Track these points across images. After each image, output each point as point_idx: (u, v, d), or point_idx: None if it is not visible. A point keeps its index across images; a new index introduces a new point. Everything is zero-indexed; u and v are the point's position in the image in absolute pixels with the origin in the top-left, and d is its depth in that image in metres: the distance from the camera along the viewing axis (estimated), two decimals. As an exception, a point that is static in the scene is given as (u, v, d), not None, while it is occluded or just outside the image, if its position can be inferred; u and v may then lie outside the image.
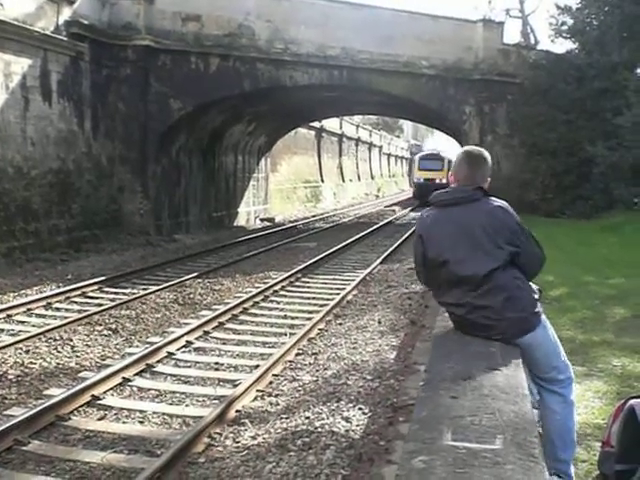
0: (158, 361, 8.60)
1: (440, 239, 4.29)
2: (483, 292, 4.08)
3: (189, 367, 8.55)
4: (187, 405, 7.22)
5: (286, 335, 9.89)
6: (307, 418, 6.60)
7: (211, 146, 25.64)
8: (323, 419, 6.55)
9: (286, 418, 6.68)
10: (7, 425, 6.03)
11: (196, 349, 9.32)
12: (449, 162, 42.42)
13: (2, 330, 10.17)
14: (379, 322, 10.67)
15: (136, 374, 8.06)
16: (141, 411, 6.96)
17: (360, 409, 6.83)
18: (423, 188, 41.03)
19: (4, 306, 11.31)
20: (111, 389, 7.54)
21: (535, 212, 20.44)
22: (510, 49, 22.58)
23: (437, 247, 4.30)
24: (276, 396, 7.43)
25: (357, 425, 6.44)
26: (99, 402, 7.14)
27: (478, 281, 4.09)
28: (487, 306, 4.06)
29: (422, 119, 35.12)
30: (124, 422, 6.72)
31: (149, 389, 7.67)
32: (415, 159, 50.26)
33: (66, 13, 18.45)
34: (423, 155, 49.54)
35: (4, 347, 9.04)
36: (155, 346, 8.88)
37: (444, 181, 39.35)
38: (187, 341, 9.45)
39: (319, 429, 6.31)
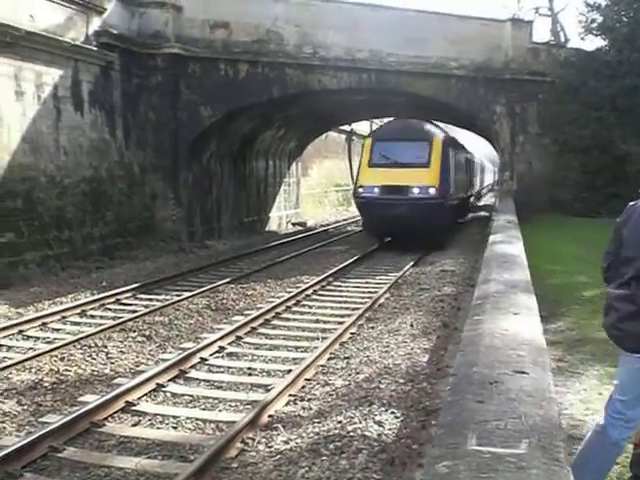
0: (191, 367, 8.66)
1: (637, 226, 4.18)
2: (620, 294, 4.13)
3: (222, 372, 8.61)
4: (220, 410, 7.27)
5: (318, 339, 9.91)
6: (339, 422, 6.62)
7: (242, 152, 25.75)
8: (355, 423, 6.56)
9: (318, 422, 6.70)
10: (42, 432, 6.12)
11: (229, 354, 9.37)
12: (454, 147, 23.05)
13: (38, 338, 10.33)
14: (411, 325, 10.65)
15: (170, 380, 8.13)
16: (175, 417, 7.02)
17: (392, 413, 6.83)
18: (378, 210, 19.85)
19: (39, 314, 11.48)
20: (145, 395, 7.62)
21: (569, 212, 20.26)
22: (540, 48, 22.37)
23: (629, 231, 4.23)
24: (308, 400, 7.45)
25: (389, 429, 6.45)
26: (133, 408, 7.21)
27: (623, 281, 4.12)
28: (616, 308, 4.16)
29: (452, 120, 33.08)
30: (158, 428, 6.78)
31: (183, 395, 7.73)
32: (366, 143, 21.64)
33: (95, 23, 18.66)
34: (384, 132, 22.49)
35: (39, 355, 9.18)
36: (188, 352, 8.94)
37: (432, 192, 19.58)
38: (220, 346, 9.51)
39: (351, 433, 6.32)
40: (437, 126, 22.61)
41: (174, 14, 20.97)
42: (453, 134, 26.57)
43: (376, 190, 19.86)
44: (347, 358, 9.07)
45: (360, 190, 20.36)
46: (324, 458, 5.84)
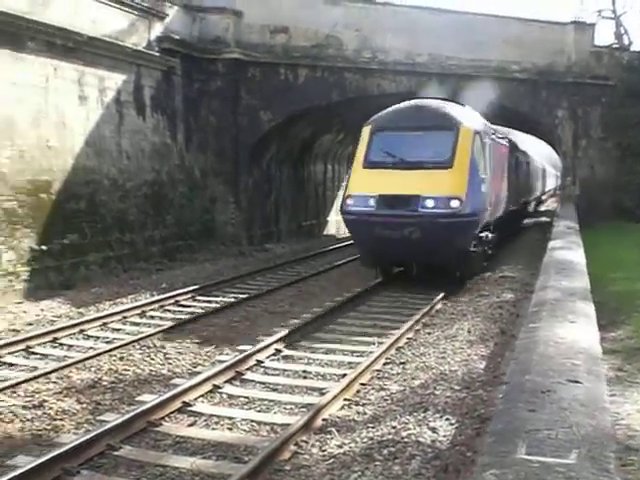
0: (248, 369, 8.72)
1: None
2: None
3: (278, 375, 8.64)
4: (275, 413, 7.30)
5: (374, 344, 9.88)
6: (393, 428, 6.60)
7: (301, 156, 25.88)
8: (410, 429, 6.53)
9: (372, 427, 6.68)
10: (100, 430, 6.25)
11: (285, 357, 9.41)
12: (497, 142, 17.03)
13: (98, 338, 10.55)
14: (468, 331, 10.54)
15: (226, 381, 8.20)
16: (230, 418, 7.07)
17: (447, 419, 6.78)
18: (373, 230, 13.79)
19: (100, 314, 11.72)
20: (201, 396, 7.69)
21: (632, 218, 19.84)
22: (602, 51, 22.04)
23: None
24: (363, 405, 7.44)
25: (444, 435, 6.40)
26: (190, 409, 7.30)
27: None
28: None
29: (513, 124, 32.95)
30: (213, 429, 6.84)
31: (238, 396, 7.79)
32: (362, 134, 15.01)
33: (157, 29, 19.00)
34: (388, 117, 15.08)
35: (99, 354, 9.38)
36: (245, 354, 9.00)
37: (456, 205, 13.49)
38: (276, 349, 9.56)
39: (405, 439, 6.29)
40: (471, 110, 16.05)
41: (234, 20, 21.23)
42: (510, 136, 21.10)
43: (372, 202, 13.81)
44: (403, 363, 9.03)
45: (349, 202, 14.28)
46: (377, 463, 5.83)
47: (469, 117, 15.17)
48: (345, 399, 7.56)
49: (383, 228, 13.60)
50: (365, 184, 14.18)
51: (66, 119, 15.48)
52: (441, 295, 13.21)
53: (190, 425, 6.93)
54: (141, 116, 18.33)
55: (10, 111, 13.97)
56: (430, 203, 13.38)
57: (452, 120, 14.33)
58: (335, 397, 7.38)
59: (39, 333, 10.36)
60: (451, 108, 14.95)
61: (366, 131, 14.89)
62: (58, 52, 15.17)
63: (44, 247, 14.38)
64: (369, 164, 14.34)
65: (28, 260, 14.01)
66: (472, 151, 14.09)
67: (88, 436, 6.13)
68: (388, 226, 13.56)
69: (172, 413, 7.15)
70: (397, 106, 15.26)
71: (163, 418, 6.98)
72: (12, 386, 8.06)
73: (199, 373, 8.31)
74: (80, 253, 15.40)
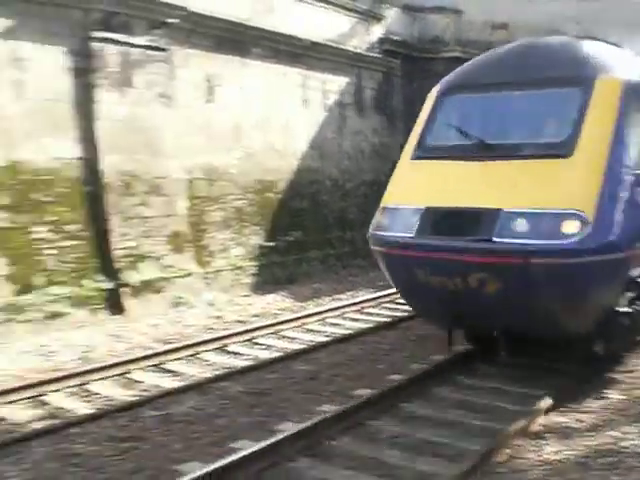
0: (459, 372, 8.62)
1: None
2: None
3: (491, 378, 8.49)
4: (490, 415, 7.21)
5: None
6: (613, 437, 6.33)
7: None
8: (631, 439, 6.24)
9: (590, 436, 6.45)
10: (318, 420, 6.51)
11: (498, 362, 9.23)
12: None
13: (318, 332, 10.97)
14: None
15: (439, 382, 8.19)
16: (444, 418, 7.07)
17: (674, 432, 6.41)
18: (415, 273, 7.51)
19: (320, 309, 12.18)
20: (415, 396, 7.72)
21: None
22: None
23: None
24: (582, 412, 7.18)
25: (669, 448, 6.06)
26: (403, 407, 7.39)
27: None
28: None
29: None
30: (427, 427, 6.87)
31: (451, 398, 7.75)
32: (426, 102, 9.14)
33: (376, 31, 19.36)
34: (468, 71, 8.72)
35: (320, 347, 9.79)
36: (458, 356, 8.94)
37: (574, 230, 6.50)
38: (490, 353, 9.41)
39: (625, 450, 6.03)
40: (630, 54, 9.48)
41: (454, 18, 21.17)
42: None
43: (415, 221, 7.70)
44: (629, 372, 8.58)
45: (379, 220, 8.62)
46: (594, 472, 5.63)
47: (620, 64, 8.17)
48: (563, 406, 7.32)
49: (428, 271, 7.48)
50: (409, 188, 8.36)
51: (290, 122, 16.17)
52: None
53: (405, 423, 7.00)
54: (361, 117, 18.76)
55: (238, 115, 14.82)
56: (520, 225, 6.89)
57: (582, 68, 7.70)
58: (553, 404, 7.18)
59: (263, 325, 10.96)
60: (585, 49, 8.22)
61: (430, 97, 9.14)
62: (283, 57, 15.89)
63: (271, 243, 15.13)
64: (423, 152, 8.61)
65: (256, 255, 14.81)
66: (619, 125, 7.31)
67: (307, 425, 6.39)
68: (437, 267, 7.38)
69: (387, 410, 7.25)
70: (489, 52, 9.14)
71: (378, 413, 7.10)
72: (237, 373, 8.61)
73: (414, 372, 8.37)
74: (303, 250, 16.05)
